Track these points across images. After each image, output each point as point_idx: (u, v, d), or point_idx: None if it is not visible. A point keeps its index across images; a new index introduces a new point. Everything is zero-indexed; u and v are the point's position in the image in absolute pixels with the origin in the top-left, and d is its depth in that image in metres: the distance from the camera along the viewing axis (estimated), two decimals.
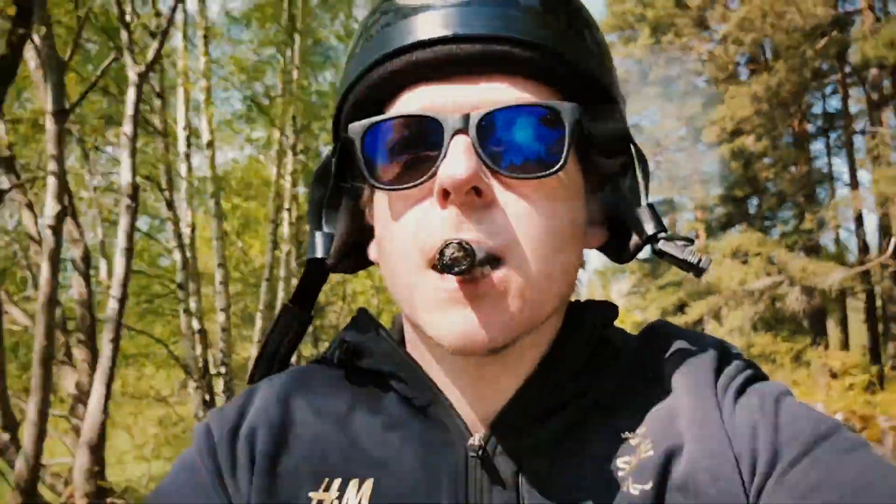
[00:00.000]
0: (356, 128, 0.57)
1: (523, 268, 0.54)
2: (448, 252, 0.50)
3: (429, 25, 0.55)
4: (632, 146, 0.62)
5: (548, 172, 0.54)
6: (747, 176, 15.64)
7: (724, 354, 0.62)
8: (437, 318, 0.54)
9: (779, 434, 0.54)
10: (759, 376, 0.61)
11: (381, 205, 0.59)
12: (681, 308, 16.59)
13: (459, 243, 0.50)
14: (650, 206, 0.62)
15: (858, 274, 12.06)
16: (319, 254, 0.65)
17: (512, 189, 0.54)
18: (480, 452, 0.56)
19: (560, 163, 0.54)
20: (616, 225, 0.64)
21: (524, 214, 0.54)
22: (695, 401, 0.57)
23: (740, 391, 0.58)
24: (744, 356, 0.63)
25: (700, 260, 0.58)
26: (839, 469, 0.50)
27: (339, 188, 0.64)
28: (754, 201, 16.42)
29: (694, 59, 15.88)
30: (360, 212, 0.65)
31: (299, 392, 0.64)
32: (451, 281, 0.52)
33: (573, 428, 0.58)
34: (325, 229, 0.66)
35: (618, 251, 0.65)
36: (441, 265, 0.51)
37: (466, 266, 0.50)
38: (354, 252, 0.66)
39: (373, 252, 0.65)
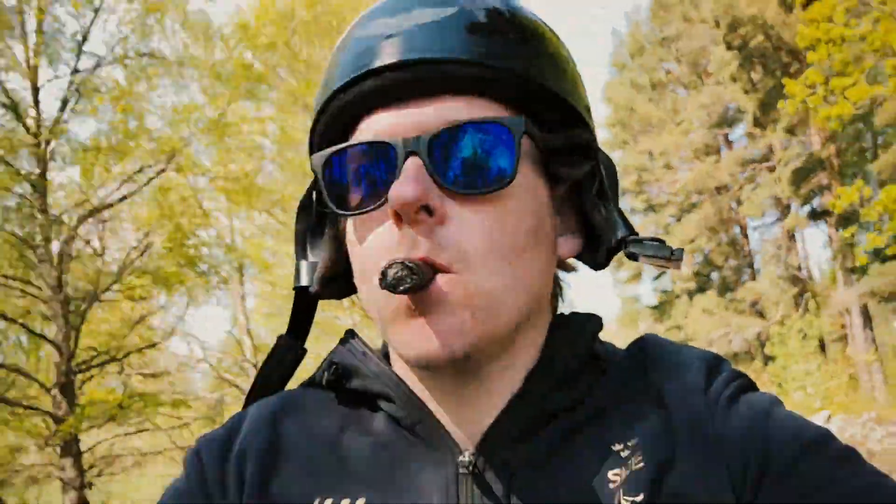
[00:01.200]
0: (317, 159, 0.59)
1: (472, 279, 0.54)
2: (391, 273, 0.51)
3: (377, 54, 0.56)
4: (598, 153, 0.63)
5: (497, 187, 0.55)
6: (708, 260, 23.58)
7: (714, 366, 0.62)
8: (397, 332, 0.55)
9: (770, 444, 0.54)
10: (748, 386, 0.61)
11: (349, 230, 0.61)
12: None
13: (402, 262, 0.52)
14: (619, 210, 0.63)
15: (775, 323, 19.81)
16: (304, 282, 0.67)
17: (465, 205, 0.55)
18: (471, 468, 0.56)
19: (509, 177, 0.55)
20: (591, 233, 0.64)
21: (475, 228, 0.55)
22: (685, 412, 0.58)
23: (730, 401, 0.58)
24: (733, 367, 0.63)
25: (673, 252, 0.60)
26: (831, 478, 0.51)
27: (322, 217, 0.67)
28: (714, 275, 24.34)
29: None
30: (341, 239, 0.66)
31: (289, 414, 0.64)
32: (398, 297, 0.53)
33: (563, 441, 0.58)
34: (311, 258, 0.67)
35: (594, 259, 0.66)
36: (385, 285, 0.52)
37: (411, 284, 0.51)
38: (342, 278, 0.67)
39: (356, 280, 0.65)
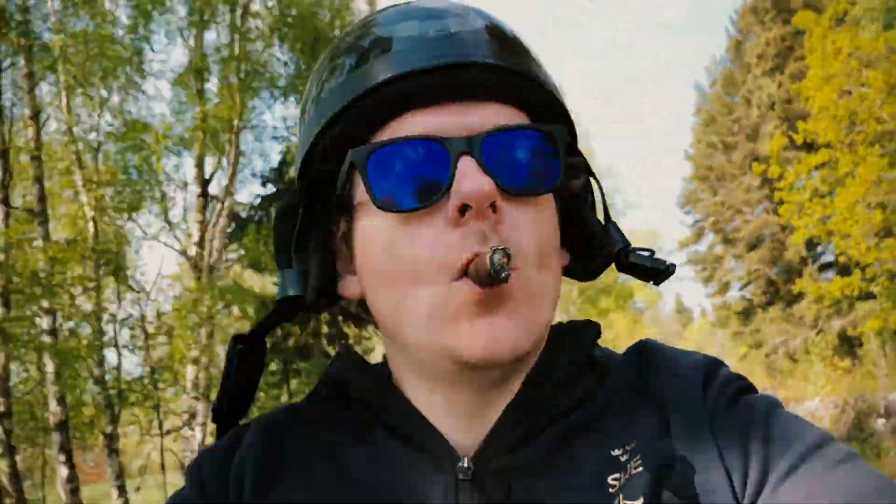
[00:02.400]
0: (360, 153, 0.56)
1: (531, 277, 0.55)
2: (496, 258, 0.50)
3: (424, 54, 0.56)
4: (589, 167, 0.65)
5: (543, 191, 0.58)
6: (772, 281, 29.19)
7: (712, 369, 0.62)
8: (464, 329, 0.54)
9: (770, 446, 0.54)
10: (748, 388, 0.61)
11: (376, 232, 0.58)
12: None
13: (503, 249, 0.51)
14: (614, 223, 0.65)
15: None
16: (294, 291, 0.63)
17: (514, 206, 0.56)
18: (470, 475, 0.56)
19: (557, 180, 0.58)
20: (576, 246, 0.65)
21: (525, 229, 0.56)
22: (684, 415, 0.58)
23: (730, 404, 0.58)
24: (731, 370, 0.63)
25: (668, 265, 0.63)
26: (832, 481, 0.51)
27: (308, 224, 0.63)
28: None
29: None
30: (330, 248, 0.64)
31: (289, 427, 0.64)
32: (474, 290, 0.53)
33: (562, 446, 0.58)
34: (296, 266, 0.64)
35: (582, 271, 0.67)
36: (492, 271, 0.50)
37: (509, 272, 0.51)
38: (326, 291, 0.65)
39: (348, 288, 0.64)
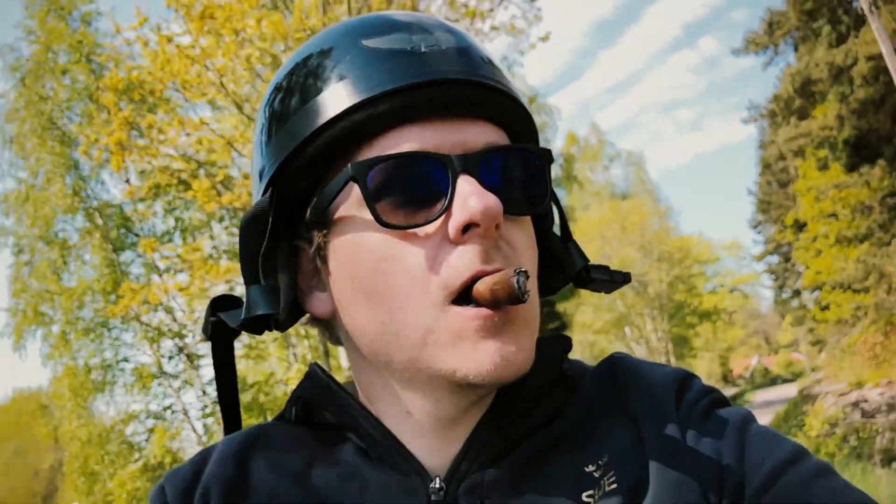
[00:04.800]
0: (360, 166, 0.54)
1: (532, 298, 0.55)
2: (521, 280, 0.49)
3: (420, 68, 0.54)
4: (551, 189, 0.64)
5: (533, 210, 0.58)
6: None
7: (685, 382, 0.61)
8: (468, 350, 0.52)
9: (745, 460, 0.54)
10: (721, 402, 0.61)
11: (368, 247, 0.56)
12: None
13: (525, 272, 0.50)
14: (573, 242, 0.66)
15: None
16: (263, 310, 0.59)
17: (509, 225, 0.56)
18: (443, 495, 0.55)
19: (546, 200, 0.58)
20: (539, 263, 0.64)
21: (522, 247, 0.56)
22: (657, 429, 0.57)
23: (703, 417, 0.58)
24: (704, 383, 0.62)
25: (623, 276, 0.65)
26: (807, 495, 0.51)
27: (276, 239, 0.60)
28: None
29: None
30: (296, 264, 0.62)
31: (256, 449, 0.63)
32: (484, 312, 0.52)
33: (535, 462, 0.57)
34: (264, 282, 0.60)
35: (543, 288, 0.66)
36: (520, 293, 0.49)
37: (528, 293, 0.50)
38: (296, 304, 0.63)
39: (318, 305, 0.62)
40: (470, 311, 0.53)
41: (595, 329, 27.23)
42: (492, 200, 0.52)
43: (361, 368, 0.63)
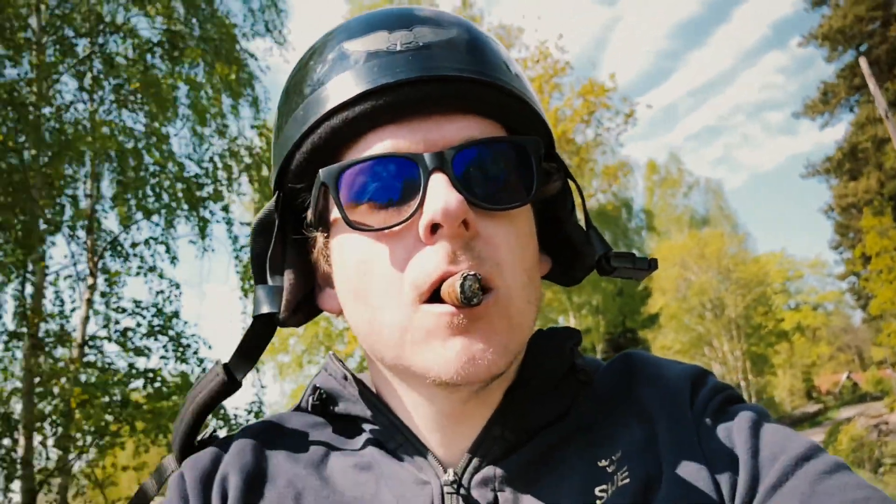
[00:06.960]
0: (331, 171, 0.55)
1: (509, 293, 0.55)
2: (467, 286, 0.50)
3: (391, 69, 0.55)
4: (568, 172, 0.64)
5: (518, 204, 0.56)
6: None
7: (699, 378, 0.62)
8: (437, 349, 0.53)
9: (759, 458, 0.54)
10: (735, 398, 0.61)
11: (350, 249, 0.58)
12: None
13: (475, 275, 0.51)
14: (594, 228, 0.65)
15: None
16: (267, 308, 0.62)
17: (488, 220, 0.55)
18: (456, 486, 0.56)
19: (531, 195, 0.57)
20: (557, 251, 0.65)
21: (502, 244, 0.55)
22: (671, 426, 0.57)
23: (717, 414, 0.58)
24: (718, 380, 0.62)
25: (650, 262, 0.64)
26: (821, 492, 0.50)
27: (284, 240, 0.63)
28: None
29: None
30: (308, 262, 0.64)
31: (274, 438, 0.64)
32: (448, 310, 0.52)
33: (549, 456, 0.58)
34: (271, 283, 0.63)
35: (564, 277, 0.67)
36: (463, 298, 0.50)
37: (481, 297, 0.51)
38: (305, 303, 0.64)
39: (328, 301, 0.64)
40: (436, 309, 0.53)
41: (674, 350, 28.98)
42: (452, 200, 0.52)
43: (371, 362, 0.66)
